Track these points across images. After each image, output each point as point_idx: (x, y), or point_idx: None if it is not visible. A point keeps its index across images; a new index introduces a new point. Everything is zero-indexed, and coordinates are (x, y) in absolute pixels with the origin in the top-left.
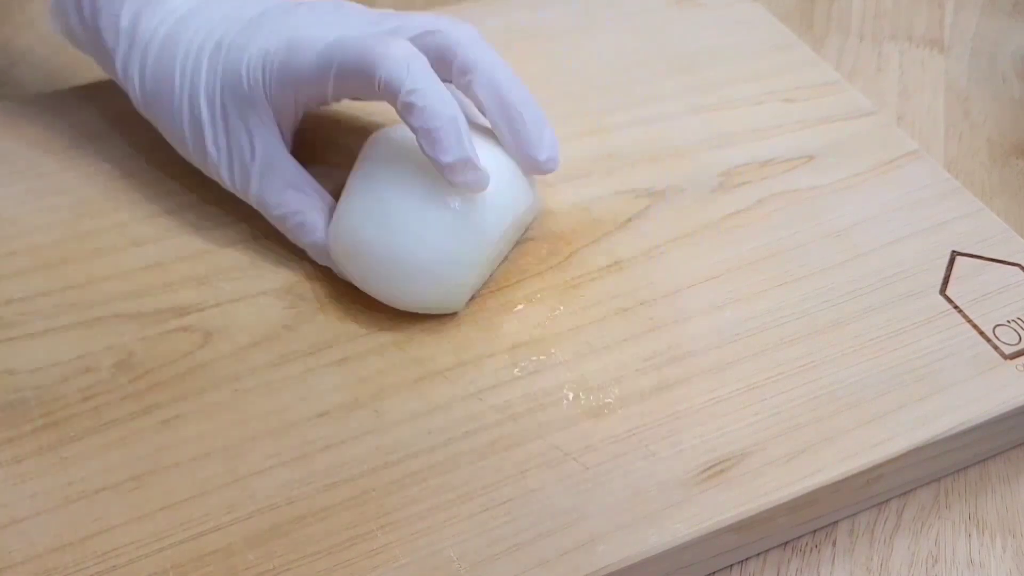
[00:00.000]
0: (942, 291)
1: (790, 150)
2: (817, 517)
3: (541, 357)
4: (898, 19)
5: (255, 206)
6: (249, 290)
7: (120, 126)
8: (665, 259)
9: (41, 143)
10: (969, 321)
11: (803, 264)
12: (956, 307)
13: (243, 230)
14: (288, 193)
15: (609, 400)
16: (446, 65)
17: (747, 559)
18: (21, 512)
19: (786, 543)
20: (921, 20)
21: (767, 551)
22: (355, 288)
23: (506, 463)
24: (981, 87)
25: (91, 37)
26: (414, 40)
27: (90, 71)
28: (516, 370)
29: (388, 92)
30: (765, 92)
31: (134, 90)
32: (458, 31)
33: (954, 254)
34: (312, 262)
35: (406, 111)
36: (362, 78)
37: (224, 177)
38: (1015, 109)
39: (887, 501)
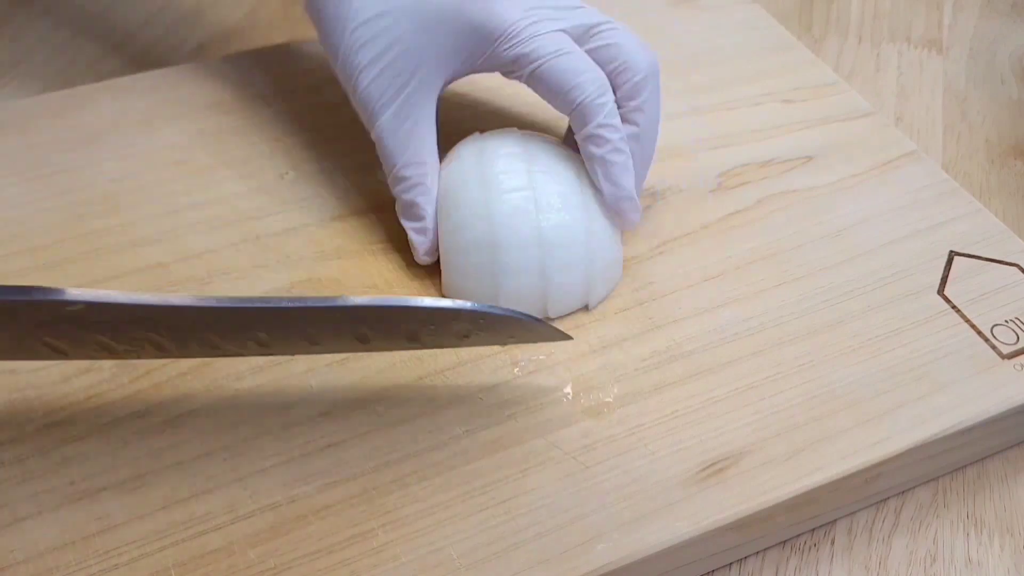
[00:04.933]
0: (940, 291)
1: (789, 151)
2: (816, 516)
3: (540, 356)
4: (896, 20)
5: (374, 139)
6: (250, 290)
7: (121, 127)
8: (664, 259)
9: (42, 144)
10: (967, 321)
11: (802, 264)
12: (954, 307)
13: (245, 231)
14: (415, 157)
15: (608, 399)
16: (613, 80)
17: (746, 557)
18: (23, 511)
19: (785, 542)
20: (919, 21)
21: (766, 550)
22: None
23: (506, 462)
24: (979, 88)
25: None
26: (592, 51)
27: (91, 72)
28: (516, 369)
29: (580, 116)
30: (764, 93)
31: None
32: (641, 58)
33: (952, 254)
34: (313, 263)
35: (593, 141)
36: (558, 92)
37: (360, 84)
38: (1013, 110)
39: (885, 500)
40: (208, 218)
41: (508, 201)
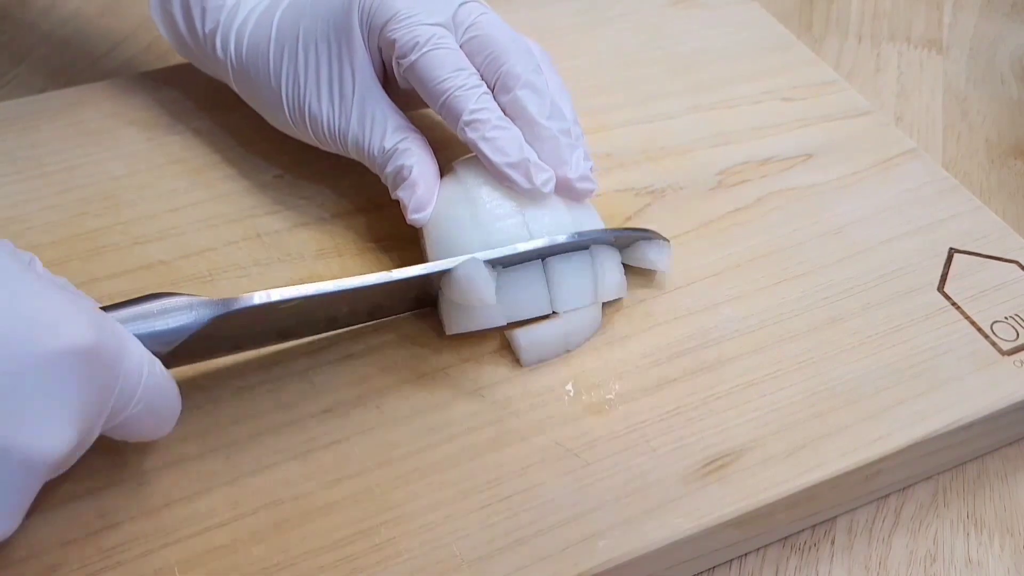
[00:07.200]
0: (940, 288)
1: (789, 149)
2: (816, 512)
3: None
4: (897, 20)
5: (354, 153)
6: (251, 288)
7: (122, 126)
8: None
9: (44, 142)
10: (967, 317)
11: (802, 262)
12: (954, 304)
13: (245, 229)
14: (391, 133)
15: (610, 396)
16: (489, 71)
17: (746, 555)
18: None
19: (785, 540)
20: (920, 21)
21: (766, 547)
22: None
23: (508, 459)
24: (979, 88)
25: (189, 25)
26: (466, 43)
27: (92, 71)
28: (517, 367)
29: (449, 111)
30: (764, 91)
31: (231, 60)
32: (509, 45)
33: (952, 251)
34: (313, 261)
35: (469, 127)
36: (426, 87)
37: (323, 116)
38: (1013, 110)
39: (886, 498)
40: (209, 216)
41: (502, 230)
